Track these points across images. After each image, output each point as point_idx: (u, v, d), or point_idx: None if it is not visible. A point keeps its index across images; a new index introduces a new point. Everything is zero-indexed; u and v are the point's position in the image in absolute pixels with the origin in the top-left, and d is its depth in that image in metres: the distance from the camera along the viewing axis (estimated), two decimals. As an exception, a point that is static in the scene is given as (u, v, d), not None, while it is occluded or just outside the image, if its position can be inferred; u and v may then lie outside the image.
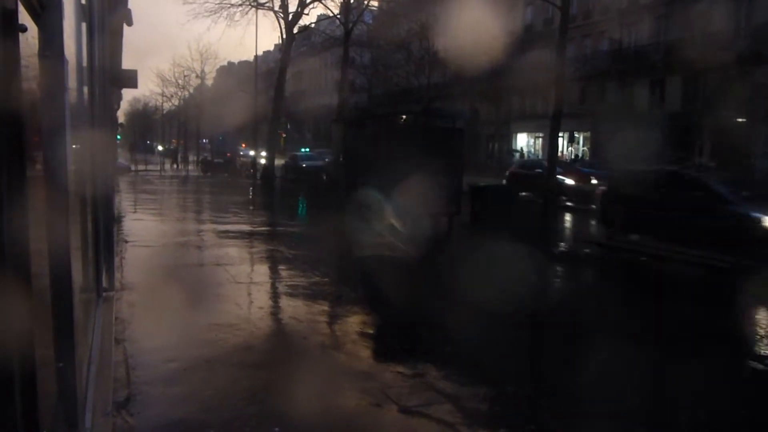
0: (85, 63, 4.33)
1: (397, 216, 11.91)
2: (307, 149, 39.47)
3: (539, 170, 20.94)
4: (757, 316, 7.24)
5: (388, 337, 5.76)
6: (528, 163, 26.68)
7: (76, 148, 3.12)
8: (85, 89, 4.36)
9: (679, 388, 4.64)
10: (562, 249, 12.01)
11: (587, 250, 10.98)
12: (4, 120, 1.37)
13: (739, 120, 25.59)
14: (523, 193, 19.91)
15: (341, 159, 21.39)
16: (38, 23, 2.04)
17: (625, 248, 9.82)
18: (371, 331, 5.83)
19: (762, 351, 5.88)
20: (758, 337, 6.27)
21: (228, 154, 45.90)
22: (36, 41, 2.09)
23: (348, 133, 19.46)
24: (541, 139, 37.46)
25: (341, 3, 28.60)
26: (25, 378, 1.56)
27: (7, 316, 1.42)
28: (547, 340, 6.19)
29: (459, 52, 40.47)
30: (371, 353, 5.28)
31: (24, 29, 1.59)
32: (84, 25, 4.23)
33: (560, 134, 20.48)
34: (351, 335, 5.78)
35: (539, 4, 25.92)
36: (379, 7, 35.25)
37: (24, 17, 1.69)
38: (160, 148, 69.29)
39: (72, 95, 3.11)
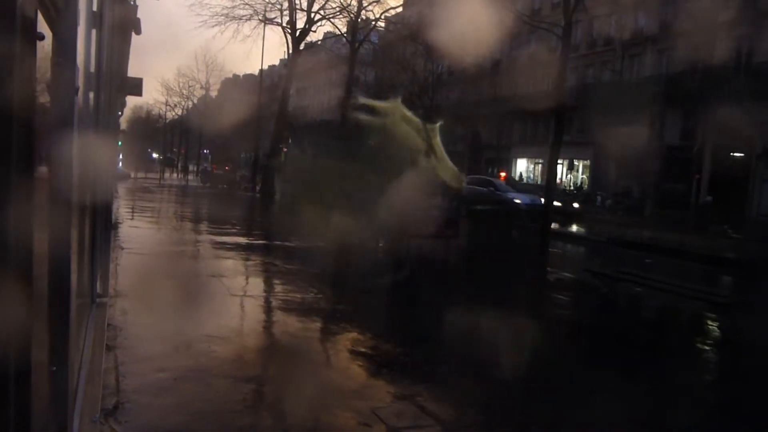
0: (93, 69, 4.37)
1: (392, 235, 11.89)
2: None
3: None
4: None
5: (381, 357, 5.74)
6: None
7: (80, 153, 3.14)
8: (91, 95, 4.40)
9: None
10: (558, 277, 12.01)
11: (583, 279, 10.99)
12: (17, 124, 1.40)
13: (737, 155, 25.82)
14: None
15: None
16: (53, 30, 2.07)
17: (622, 278, 9.82)
18: (364, 350, 5.82)
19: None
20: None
21: (226, 167, 46.11)
22: (49, 47, 2.13)
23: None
24: (540, 165, 37.69)
25: (348, 22, 28.94)
26: (20, 379, 1.57)
27: (7, 317, 1.43)
28: (540, 370, 6.17)
29: (462, 74, 40.89)
30: (363, 371, 5.27)
31: (42, 37, 1.62)
32: (94, 32, 4.28)
33: (560, 161, 20.76)
34: (343, 352, 5.77)
35: (543, 33, 26.21)
36: (385, 28, 35.62)
37: (40, 24, 1.73)
38: (154, 155, 69.12)
39: (79, 100, 3.14)
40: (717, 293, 8.08)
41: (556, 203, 21.08)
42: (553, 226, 18.52)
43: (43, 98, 2.14)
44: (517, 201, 21.41)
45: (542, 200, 21.02)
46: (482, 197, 21.61)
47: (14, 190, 1.48)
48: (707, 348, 7.30)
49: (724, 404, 5.36)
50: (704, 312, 8.19)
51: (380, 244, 11.74)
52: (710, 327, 7.99)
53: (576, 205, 21.87)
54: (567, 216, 20.23)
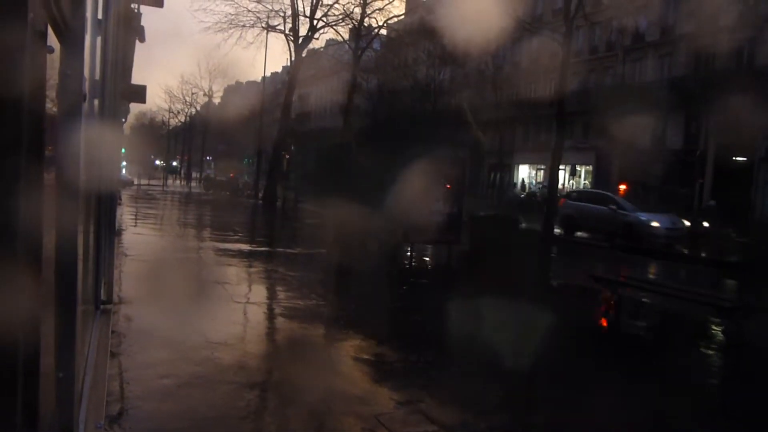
0: (98, 77, 4.41)
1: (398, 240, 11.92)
2: None
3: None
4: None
5: (383, 362, 5.75)
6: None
7: (86, 159, 3.17)
8: (96, 102, 4.43)
9: None
10: (559, 283, 12.00)
11: (584, 285, 10.96)
12: (27, 130, 1.42)
13: (740, 158, 25.80)
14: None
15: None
16: (61, 41, 2.10)
17: (627, 284, 9.78)
18: (366, 356, 5.83)
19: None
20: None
21: (232, 175, 46.30)
22: (57, 56, 2.16)
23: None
24: (542, 171, 37.68)
25: (351, 29, 29.03)
26: (27, 385, 1.59)
27: (14, 322, 1.46)
28: (543, 375, 6.17)
29: (464, 80, 41.00)
30: (366, 377, 5.28)
31: (51, 51, 1.65)
32: (99, 40, 4.32)
33: (561, 167, 20.68)
34: (346, 358, 5.78)
35: (545, 38, 26.28)
36: (387, 35, 35.72)
37: (49, 36, 1.75)
38: (158, 162, 69.37)
39: (85, 108, 3.18)
40: (722, 297, 8.03)
41: (686, 222, 18.45)
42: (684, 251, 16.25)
43: (51, 105, 2.17)
44: (655, 224, 17.18)
45: (684, 221, 17.72)
46: (601, 219, 17.57)
47: (23, 195, 1.50)
48: (711, 353, 7.28)
49: (726, 408, 5.35)
50: (709, 317, 8.17)
51: (385, 248, 11.75)
52: (715, 331, 7.98)
53: (706, 224, 18.23)
54: (695, 238, 16.26)
